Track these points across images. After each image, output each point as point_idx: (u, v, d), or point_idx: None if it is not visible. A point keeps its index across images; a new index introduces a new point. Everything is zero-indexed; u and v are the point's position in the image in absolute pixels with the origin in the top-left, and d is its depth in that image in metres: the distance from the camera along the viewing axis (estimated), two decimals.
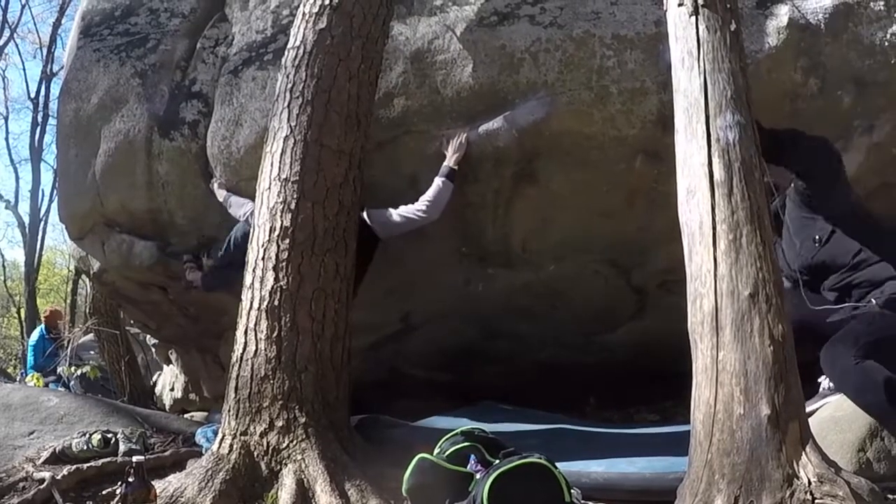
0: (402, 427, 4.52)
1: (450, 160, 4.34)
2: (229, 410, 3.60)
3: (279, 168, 3.84)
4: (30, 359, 9.15)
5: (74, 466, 3.63)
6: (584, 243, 4.78)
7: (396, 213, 4.39)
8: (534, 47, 4.33)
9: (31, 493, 3.42)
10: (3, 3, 18.39)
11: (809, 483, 2.56)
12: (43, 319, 9.67)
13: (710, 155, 3.02)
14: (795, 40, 4.31)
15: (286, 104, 3.93)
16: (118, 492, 3.04)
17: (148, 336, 8.72)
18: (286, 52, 4.10)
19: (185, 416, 6.77)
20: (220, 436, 3.57)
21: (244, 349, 3.65)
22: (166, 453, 3.95)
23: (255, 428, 3.49)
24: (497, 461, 3.15)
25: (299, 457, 3.37)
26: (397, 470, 3.28)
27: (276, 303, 3.65)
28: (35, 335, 9.64)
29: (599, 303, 5.11)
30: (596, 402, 5.66)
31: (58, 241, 24.66)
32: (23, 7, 20.32)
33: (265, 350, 3.60)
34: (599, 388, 5.65)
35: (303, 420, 3.48)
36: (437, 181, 4.32)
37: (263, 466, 3.40)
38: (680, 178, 3.15)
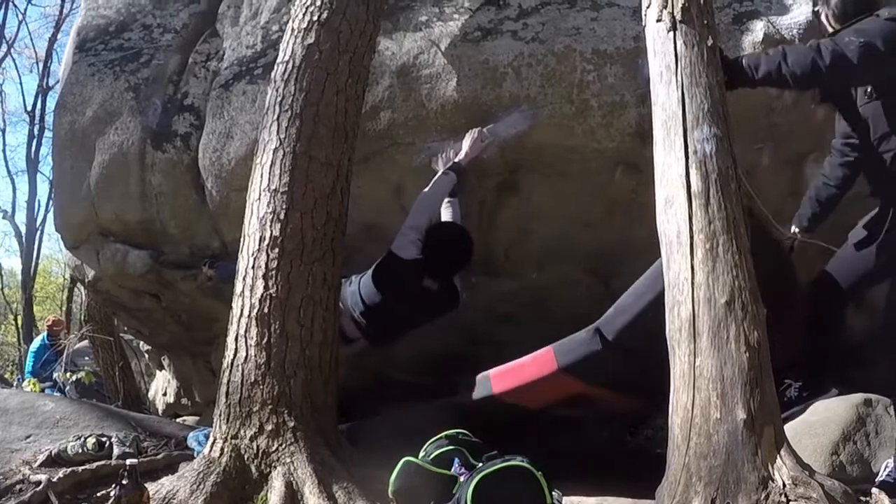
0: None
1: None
2: (220, 415, 3.62)
3: (269, 179, 3.88)
4: (28, 365, 9.14)
5: (70, 469, 3.64)
6: (565, 252, 4.82)
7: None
8: (516, 62, 4.40)
9: (28, 495, 3.44)
10: (0, 19, 18.38)
11: (784, 485, 2.59)
12: (46, 328, 9.67)
13: (687, 166, 3.05)
14: None
15: (275, 117, 3.97)
16: (112, 494, 3.08)
17: (141, 342, 8.75)
18: (275, 67, 4.13)
19: (178, 420, 6.76)
20: (211, 439, 3.60)
21: (235, 355, 3.68)
22: (159, 456, 3.95)
23: (245, 432, 3.52)
24: (480, 464, 3.20)
25: (288, 460, 3.40)
26: (384, 472, 3.32)
27: (265, 310, 3.68)
28: (36, 342, 9.60)
29: (580, 310, 5.02)
30: None
31: (53, 251, 24.57)
32: (20, 23, 20.28)
33: (255, 356, 3.62)
34: None
35: (292, 424, 3.50)
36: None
37: (253, 469, 3.42)
38: (658, 189, 3.19)
